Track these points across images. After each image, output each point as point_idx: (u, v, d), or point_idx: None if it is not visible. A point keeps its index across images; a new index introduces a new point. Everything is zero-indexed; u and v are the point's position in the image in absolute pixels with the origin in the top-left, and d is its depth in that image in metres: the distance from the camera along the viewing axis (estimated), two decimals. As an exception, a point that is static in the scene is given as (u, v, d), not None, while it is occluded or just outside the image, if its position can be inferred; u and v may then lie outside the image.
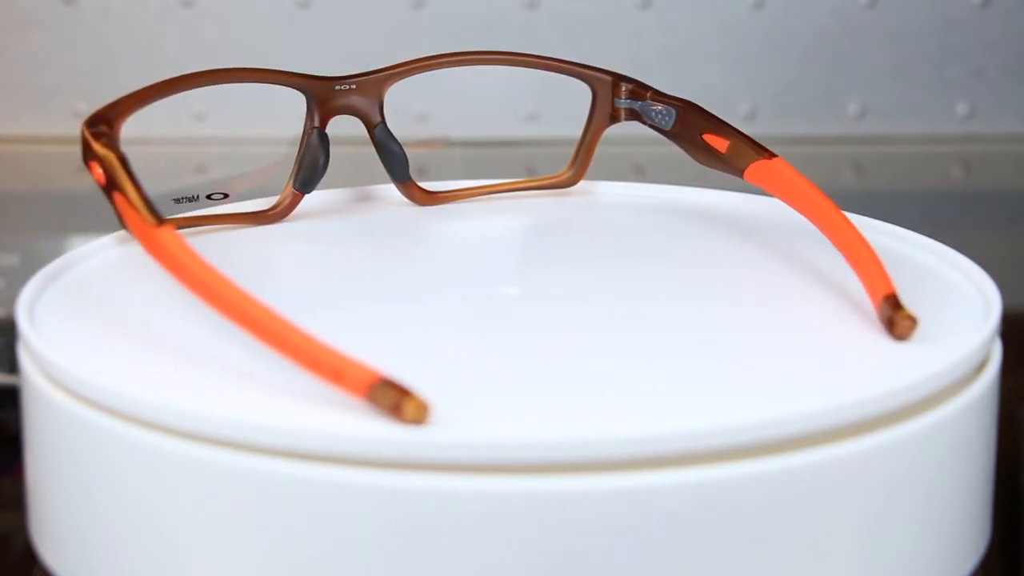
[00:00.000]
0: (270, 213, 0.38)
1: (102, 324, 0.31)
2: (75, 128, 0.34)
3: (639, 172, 0.62)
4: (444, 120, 0.68)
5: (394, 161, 0.39)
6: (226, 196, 0.38)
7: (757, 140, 0.37)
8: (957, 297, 0.33)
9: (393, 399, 0.26)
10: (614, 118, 0.40)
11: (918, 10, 0.72)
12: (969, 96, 0.73)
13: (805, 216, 0.35)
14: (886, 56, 0.72)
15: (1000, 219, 0.67)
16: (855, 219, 0.35)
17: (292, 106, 0.72)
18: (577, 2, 0.71)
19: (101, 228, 0.37)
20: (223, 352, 0.29)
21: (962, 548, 0.30)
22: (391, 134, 0.39)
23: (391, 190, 0.40)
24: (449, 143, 0.63)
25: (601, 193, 0.41)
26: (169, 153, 0.67)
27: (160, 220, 0.31)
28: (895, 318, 0.29)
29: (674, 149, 0.38)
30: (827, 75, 0.72)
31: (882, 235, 0.37)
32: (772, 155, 0.36)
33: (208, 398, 0.27)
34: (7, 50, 0.70)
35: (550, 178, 0.41)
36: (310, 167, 0.38)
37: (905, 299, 0.32)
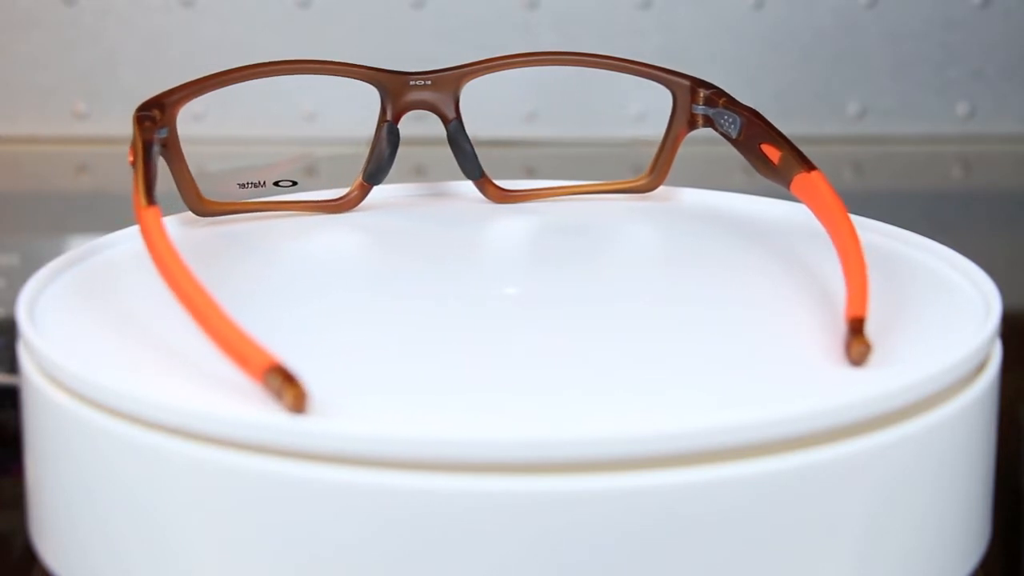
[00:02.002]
0: (338, 203, 0.39)
1: (103, 323, 0.31)
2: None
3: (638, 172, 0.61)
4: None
5: (464, 158, 0.39)
6: (294, 183, 0.39)
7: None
8: (957, 298, 0.33)
9: (277, 386, 0.26)
10: (692, 124, 0.39)
11: (918, 10, 0.72)
12: (969, 96, 0.73)
13: (826, 229, 0.34)
14: (886, 56, 0.72)
15: (1000, 219, 0.67)
16: (855, 220, 0.35)
17: (293, 106, 0.72)
18: (577, 2, 0.71)
19: (101, 228, 0.37)
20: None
21: (962, 548, 0.30)
22: (464, 131, 0.39)
23: (467, 186, 0.40)
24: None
25: (673, 199, 0.41)
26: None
27: (150, 202, 0.32)
28: (850, 342, 0.29)
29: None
30: (827, 75, 0.72)
31: (882, 236, 0.37)
32: (811, 168, 0.36)
33: (209, 397, 0.27)
34: (7, 50, 0.70)
35: (629, 182, 0.41)
36: (378, 160, 0.38)
37: (905, 300, 0.32)
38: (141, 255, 0.31)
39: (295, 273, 0.36)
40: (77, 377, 0.28)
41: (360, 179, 0.39)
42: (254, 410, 0.27)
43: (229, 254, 0.36)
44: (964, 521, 0.29)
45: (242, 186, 0.39)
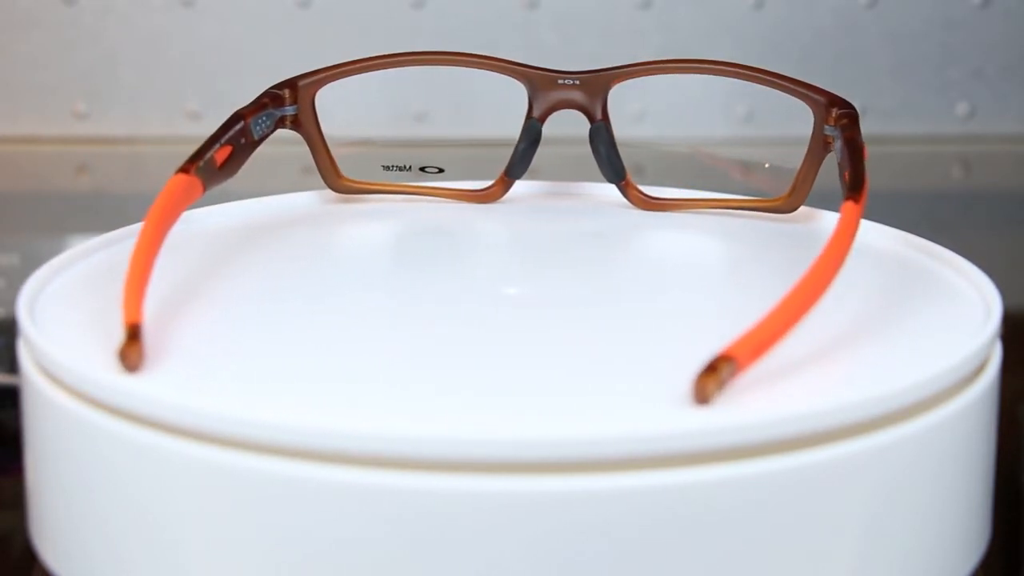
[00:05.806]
0: (481, 193, 0.40)
1: (103, 322, 0.31)
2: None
3: (638, 173, 0.61)
4: (441, 119, 0.68)
5: (601, 161, 0.39)
6: (441, 171, 0.40)
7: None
8: (957, 299, 0.33)
9: (123, 342, 0.28)
10: (826, 146, 0.38)
11: (918, 10, 0.72)
12: (969, 96, 0.73)
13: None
14: (886, 56, 0.72)
15: (1000, 219, 0.67)
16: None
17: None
18: (577, 2, 0.71)
19: (101, 228, 0.37)
20: (224, 349, 0.29)
21: (962, 548, 0.30)
22: (606, 134, 0.39)
23: (610, 189, 0.40)
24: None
25: (789, 219, 0.40)
26: (162, 153, 0.67)
27: (183, 168, 0.33)
28: (701, 376, 0.27)
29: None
30: (827, 75, 0.72)
31: (883, 238, 0.37)
32: (848, 197, 0.34)
33: (209, 396, 0.27)
34: (7, 50, 0.70)
35: (771, 200, 0.39)
36: (519, 156, 0.39)
37: (905, 301, 0.32)
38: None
39: (324, 263, 0.36)
40: (77, 376, 0.28)
41: (503, 173, 0.40)
42: (252, 408, 0.27)
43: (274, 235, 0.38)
44: (964, 521, 0.29)
45: (387, 168, 0.40)
